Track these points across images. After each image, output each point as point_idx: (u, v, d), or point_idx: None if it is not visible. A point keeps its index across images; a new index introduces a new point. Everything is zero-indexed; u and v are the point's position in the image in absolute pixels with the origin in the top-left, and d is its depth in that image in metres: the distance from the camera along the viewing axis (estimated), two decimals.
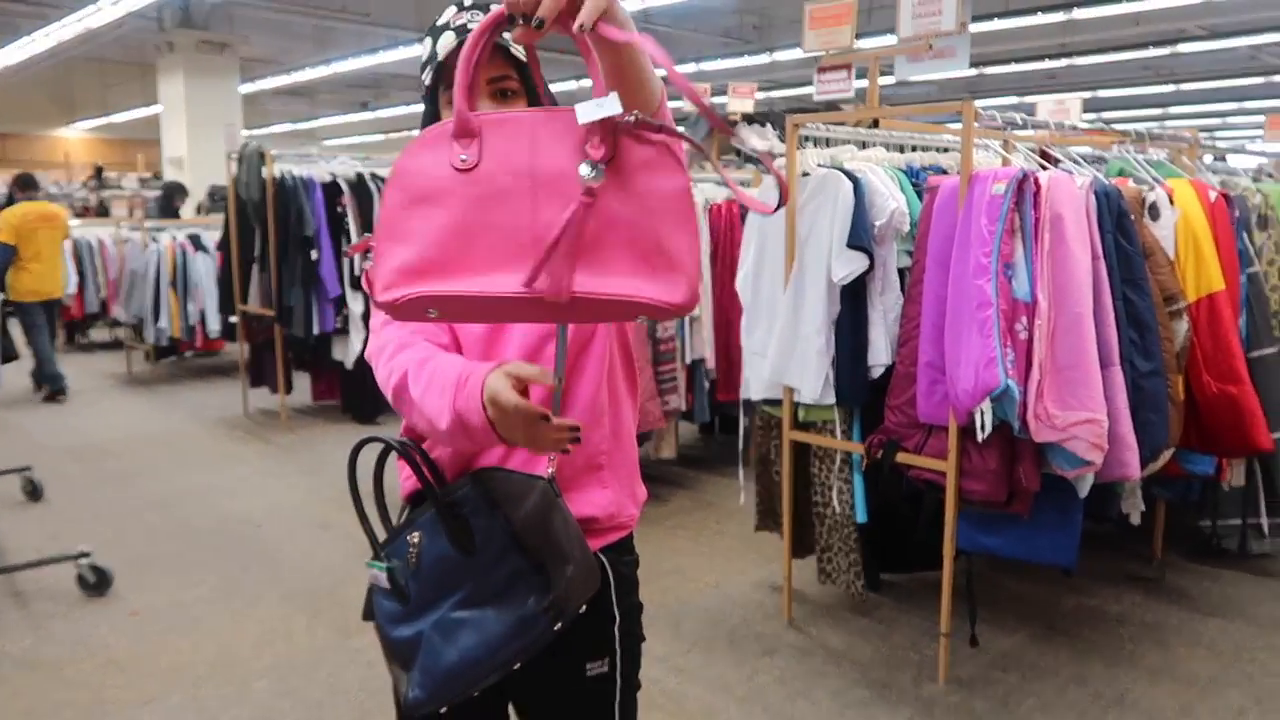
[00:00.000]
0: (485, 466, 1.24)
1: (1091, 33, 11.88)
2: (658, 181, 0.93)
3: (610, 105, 0.91)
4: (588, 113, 0.91)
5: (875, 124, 3.05)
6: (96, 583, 3.46)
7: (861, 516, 3.06)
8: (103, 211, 11.88)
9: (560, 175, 0.92)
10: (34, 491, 4.58)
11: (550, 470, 1.21)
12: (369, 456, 1.29)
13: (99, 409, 6.72)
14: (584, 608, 1.22)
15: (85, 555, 3.48)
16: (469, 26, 1.22)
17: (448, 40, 1.23)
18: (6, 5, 12.28)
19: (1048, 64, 13.75)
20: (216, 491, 4.75)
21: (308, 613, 3.33)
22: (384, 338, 1.27)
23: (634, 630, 1.36)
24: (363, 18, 12.59)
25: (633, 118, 0.92)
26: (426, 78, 1.25)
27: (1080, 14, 10.10)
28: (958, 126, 2.68)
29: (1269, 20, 10.94)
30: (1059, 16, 10.30)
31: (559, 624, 1.17)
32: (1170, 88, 16.21)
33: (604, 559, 1.29)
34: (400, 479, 1.35)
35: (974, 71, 14.09)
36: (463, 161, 0.94)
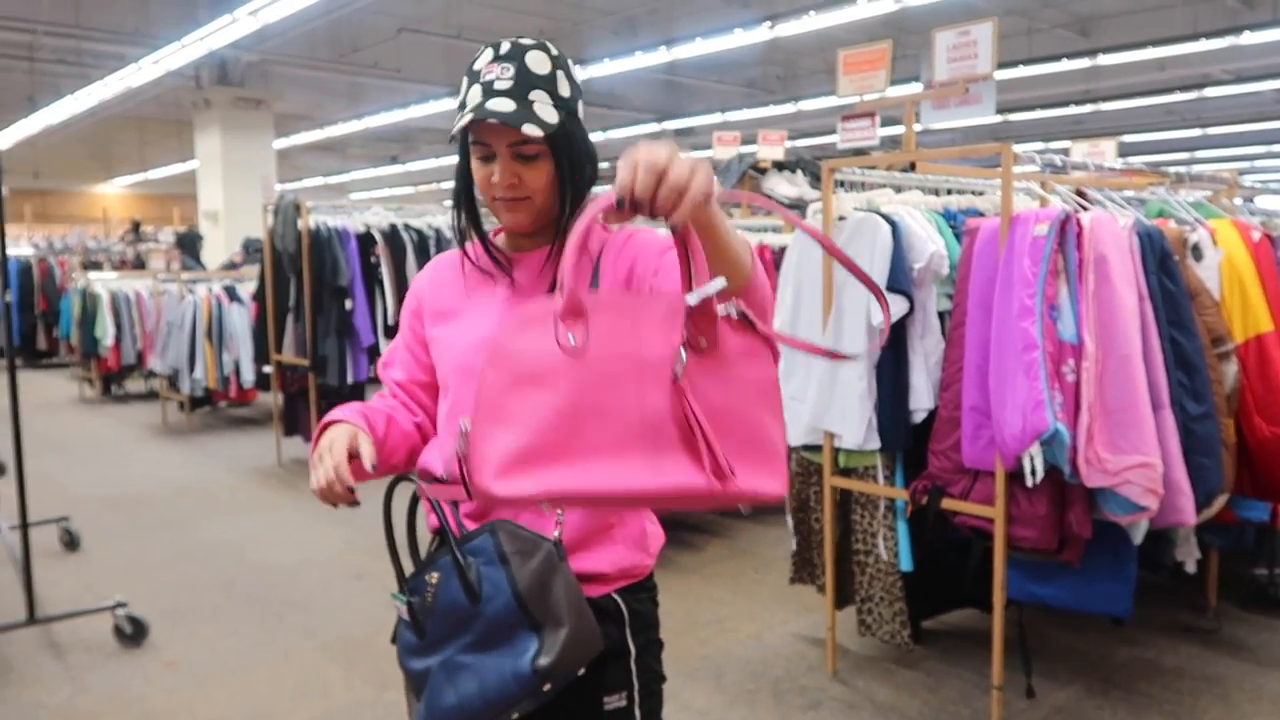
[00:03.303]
0: (501, 519, 1.26)
1: (1117, 78, 11.91)
2: (755, 370, 0.96)
3: (713, 287, 0.93)
4: (693, 297, 0.93)
5: (911, 167, 3.04)
6: (133, 633, 3.45)
7: (907, 565, 3.00)
8: (139, 264, 12.09)
9: (664, 360, 0.93)
10: (71, 541, 4.60)
11: (556, 533, 1.24)
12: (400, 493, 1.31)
13: (135, 459, 6.78)
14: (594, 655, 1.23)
15: (122, 606, 3.47)
16: (496, 86, 1.24)
17: (474, 96, 1.25)
18: (50, 66, 12.68)
19: (1073, 109, 13.78)
20: (251, 541, 4.74)
21: (343, 664, 3.29)
22: (382, 377, 1.49)
23: (652, 665, 1.38)
24: (394, 73, 12.88)
25: (731, 310, 0.95)
26: (457, 124, 1.27)
27: (1105, 59, 10.14)
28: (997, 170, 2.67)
29: None
30: (1084, 63, 10.34)
31: (548, 685, 1.17)
32: (1197, 132, 16.18)
33: (618, 599, 1.34)
34: (426, 512, 1.39)
35: (999, 118, 14.16)
36: (571, 343, 0.92)
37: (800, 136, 16.37)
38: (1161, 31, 10.10)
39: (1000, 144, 2.52)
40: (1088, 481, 2.44)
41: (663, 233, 1.23)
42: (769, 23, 9.13)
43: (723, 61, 11.53)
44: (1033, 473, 2.41)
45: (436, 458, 1.37)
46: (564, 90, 1.28)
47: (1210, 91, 12.42)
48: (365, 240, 5.76)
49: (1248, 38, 9.03)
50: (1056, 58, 10.45)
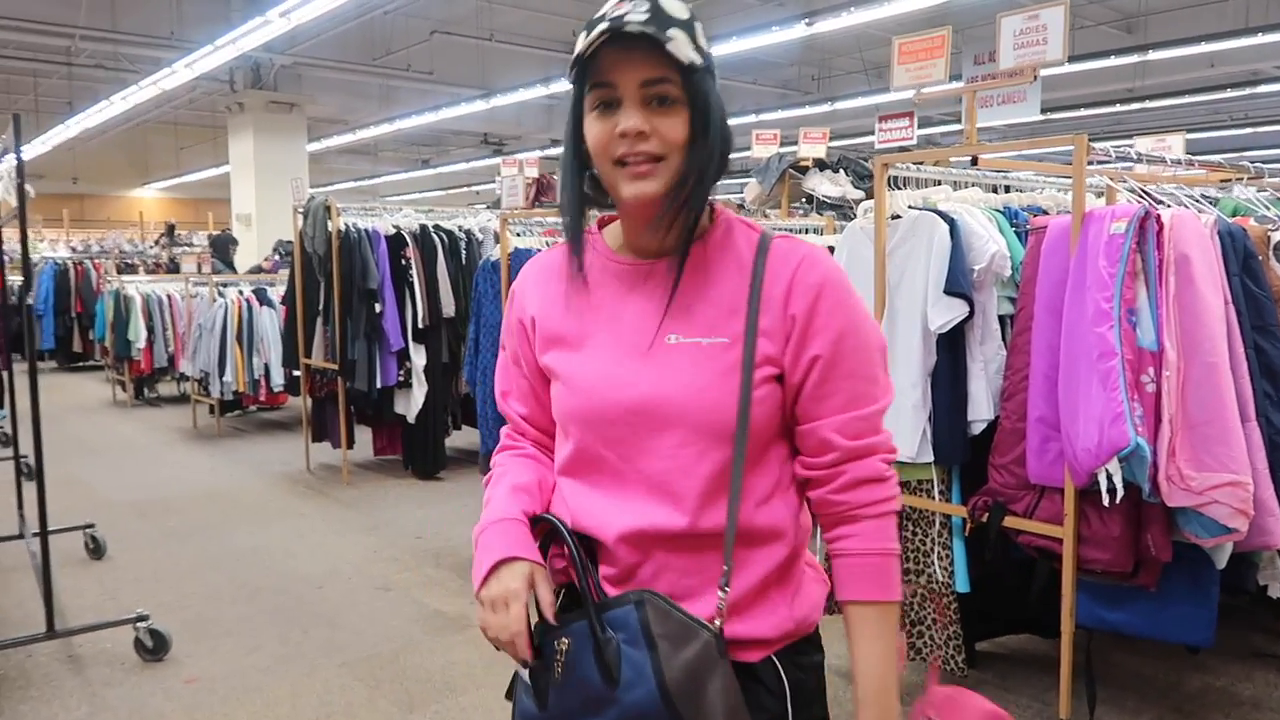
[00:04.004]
0: (653, 589, 1.07)
1: (1164, 75, 11.59)
2: None
3: None
4: None
5: (973, 162, 2.86)
6: (154, 647, 3.34)
7: (963, 586, 2.81)
8: (174, 268, 12.13)
9: None
10: (96, 549, 4.51)
11: (719, 623, 1.05)
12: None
13: (164, 463, 6.72)
14: None
15: (144, 619, 3.37)
16: (628, 21, 1.02)
17: (599, 31, 1.04)
18: (88, 71, 12.77)
19: (1118, 108, 13.46)
20: (277, 550, 4.64)
21: (368, 683, 3.16)
22: (502, 410, 1.28)
23: None
24: (426, 76, 12.83)
25: None
26: (577, 52, 1.07)
27: (1155, 55, 9.85)
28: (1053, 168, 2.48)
29: None
30: (1133, 58, 10.07)
31: None
32: (1247, 130, 15.75)
33: (778, 665, 1.13)
34: (549, 556, 1.15)
35: (1040, 117, 13.86)
36: None
37: (836, 138, 16.12)
38: (1212, 26, 9.79)
39: (1075, 135, 2.33)
40: (1169, 501, 2.25)
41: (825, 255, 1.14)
42: (806, 20, 8.93)
43: (758, 61, 11.35)
44: (1111, 490, 2.22)
45: (564, 509, 1.18)
46: (702, 41, 1.08)
47: (1262, 88, 12.05)
48: (395, 242, 5.64)
49: None
50: (1104, 54, 10.16)
